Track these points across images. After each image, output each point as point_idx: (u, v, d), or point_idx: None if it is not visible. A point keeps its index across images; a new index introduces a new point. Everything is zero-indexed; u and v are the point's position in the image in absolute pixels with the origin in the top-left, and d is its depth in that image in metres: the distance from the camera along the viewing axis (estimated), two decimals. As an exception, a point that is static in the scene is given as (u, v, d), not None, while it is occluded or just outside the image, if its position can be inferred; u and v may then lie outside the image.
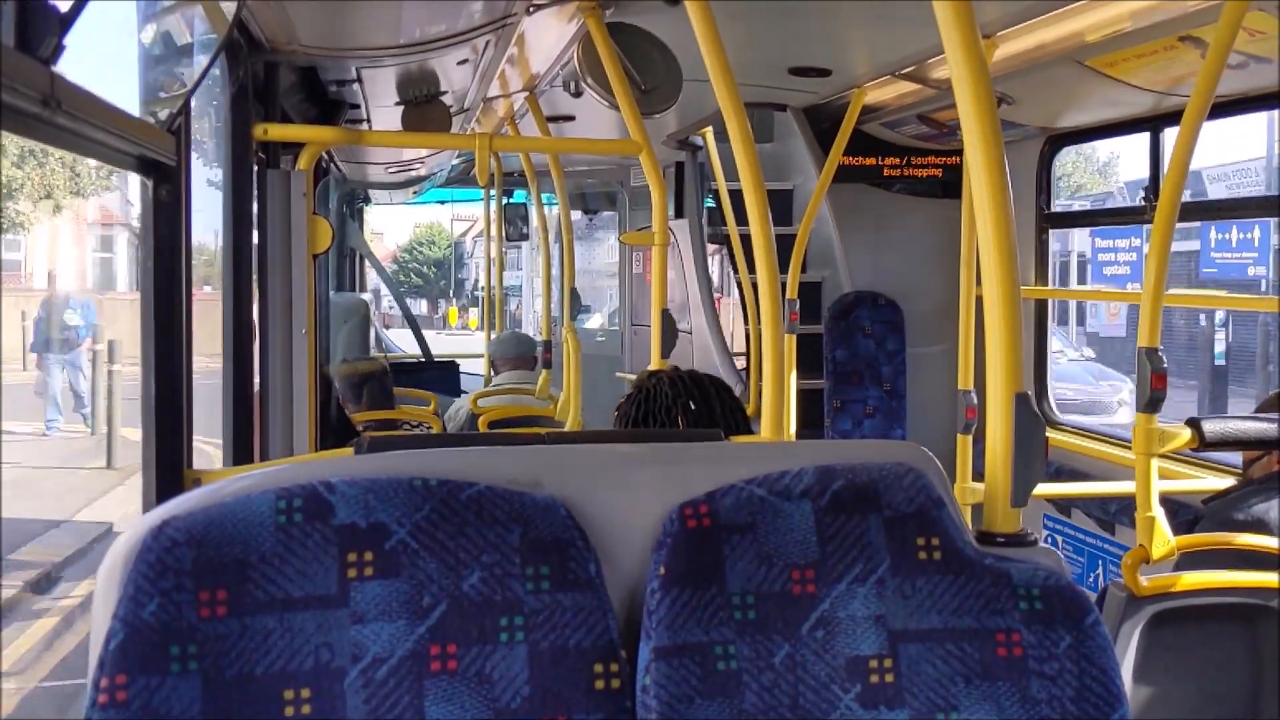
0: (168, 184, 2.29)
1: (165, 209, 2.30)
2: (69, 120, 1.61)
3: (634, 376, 7.22)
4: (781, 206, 5.99)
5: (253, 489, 1.35)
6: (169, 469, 2.32)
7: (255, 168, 3.20)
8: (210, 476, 2.28)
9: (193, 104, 2.52)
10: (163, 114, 2.37)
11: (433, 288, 48.97)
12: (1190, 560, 2.94)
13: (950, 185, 5.65)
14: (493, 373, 6.30)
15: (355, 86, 4.38)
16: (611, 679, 1.36)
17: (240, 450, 3.02)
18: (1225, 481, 3.69)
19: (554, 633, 1.35)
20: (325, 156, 6.25)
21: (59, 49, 1.49)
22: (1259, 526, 3.00)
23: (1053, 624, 1.44)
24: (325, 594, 1.31)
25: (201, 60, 2.74)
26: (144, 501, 2.31)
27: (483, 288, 8.21)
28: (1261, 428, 2.93)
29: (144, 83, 2.67)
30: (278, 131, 3.23)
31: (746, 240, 4.72)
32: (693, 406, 2.38)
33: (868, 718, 1.39)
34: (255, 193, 3.15)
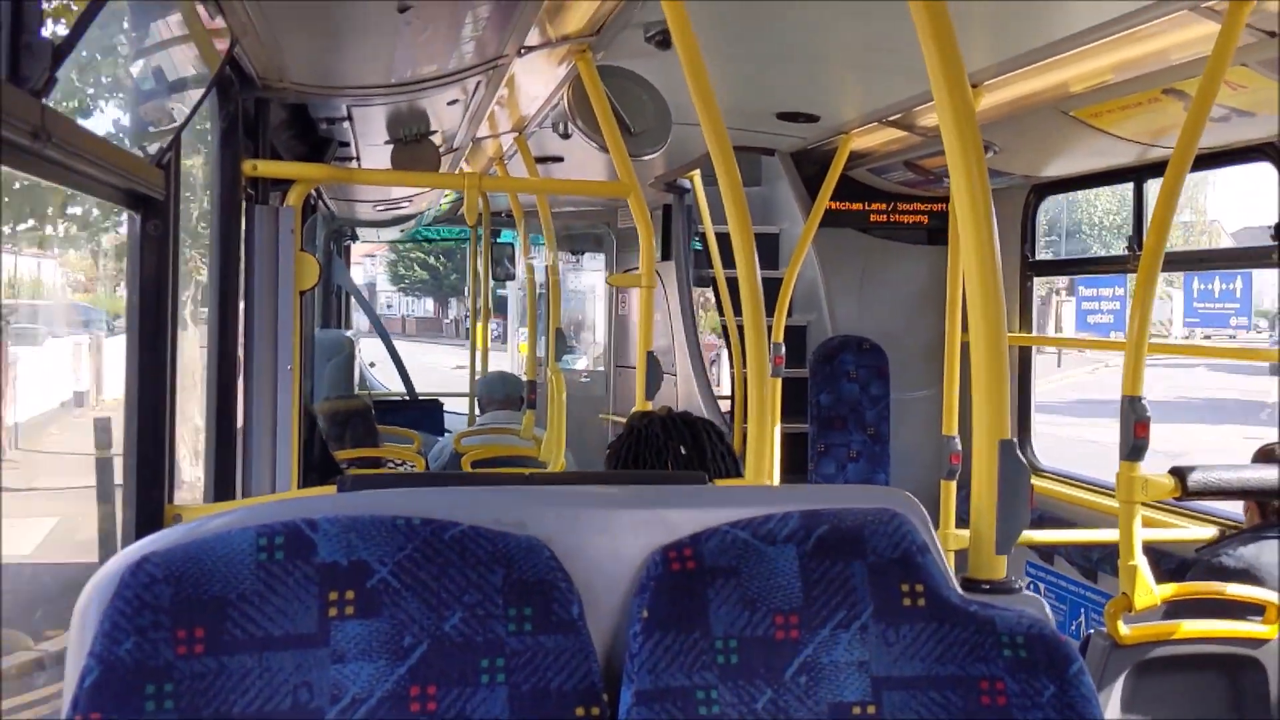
0: (156, 219, 2.29)
1: (153, 244, 2.29)
2: (58, 153, 1.61)
3: (618, 418, 7.21)
4: (768, 250, 6.01)
5: (233, 525, 1.34)
6: (149, 505, 2.30)
7: (244, 203, 3.20)
8: (192, 513, 2.27)
9: (183, 139, 2.53)
10: (152, 149, 2.37)
11: (441, 284, 39.45)
12: (1177, 608, 2.94)
13: (936, 232, 5.69)
14: (478, 412, 6.29)
15: (345, 124, 4.39)
16: None
17: (222, 487, 3.00)
18: (1208, 530, 3.69)
19: (535, 675, 1.34)
20: (314, 193, 6.26)
21: (51, 81, 1.49)
22: (1246, 575, 3.00)
23: (1037, 673, 1.43)
24: (305, 633, 1.30)
25: (192, 96, 2.74)
26: (123, 537, 2.29)
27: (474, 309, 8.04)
28: (1244, 476, 2.94)
29: (134, 117, 2.67)
30: (267, 168, 3.23)
31: (733, 283, 4.74)
32: (683, 451, 2.37)
33: None
34: (243, 228, 3.15)
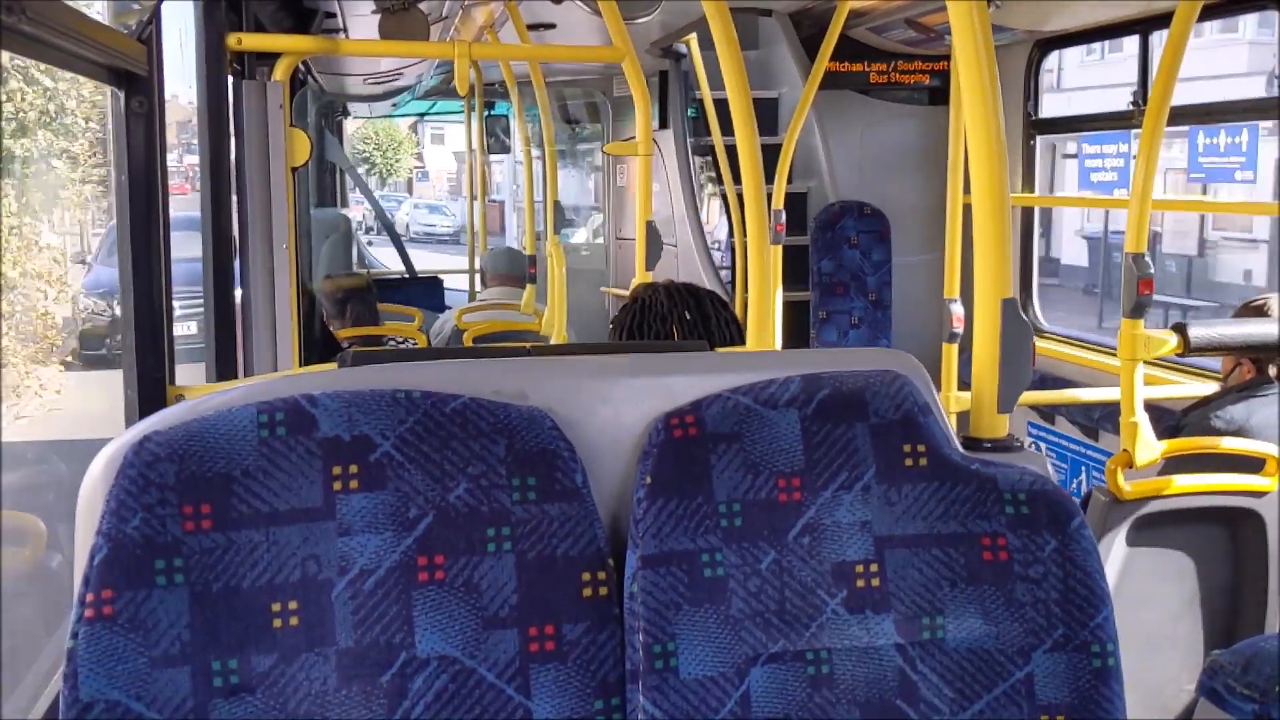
0: (140, 95, 2.24)
1: (138, 121, 2.25)
2: (34, 28, 1.57)
3: (619, 291, 7.19)
4: (766, 115, 5.91)
5: (234, 403, 1.34)
6: (151, 385, 2.30)
7: (230, 79, 3.14)
8: (193, 392, 2.27)
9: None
10: (133, 23, 2.31)
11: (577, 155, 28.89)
12: (1172, 466, 2.96)
13: (937, 92, 5.59)
14: (480, 287, 6.26)
15: (330, -6, 4.29)
16: (599, 587, 1.36)
17: (223, 366, 3.00)
18: (1209, 387, 3.71)
19: (541, 542, 1.35)
20: (302, 68, 6.14)
21: (20, -48, 1.44)
22: (1238, 433, 3.02)
23: (1038, 528, 1.44)
24: (311, 507, 1.31)
25: (171, -33, 2.66)
26: (126, 418, 2.30)
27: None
28: (1247, 331, 2.93)
29: (112, -9, 2.60)
30: (252, 41, 3.16)
31: (731, 150, 4.68)
32: (688, 316, 2.36)
33: (854, 621, 1.40)
34: (230, 105, 3.09)
